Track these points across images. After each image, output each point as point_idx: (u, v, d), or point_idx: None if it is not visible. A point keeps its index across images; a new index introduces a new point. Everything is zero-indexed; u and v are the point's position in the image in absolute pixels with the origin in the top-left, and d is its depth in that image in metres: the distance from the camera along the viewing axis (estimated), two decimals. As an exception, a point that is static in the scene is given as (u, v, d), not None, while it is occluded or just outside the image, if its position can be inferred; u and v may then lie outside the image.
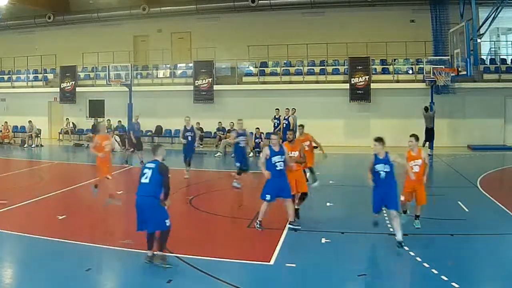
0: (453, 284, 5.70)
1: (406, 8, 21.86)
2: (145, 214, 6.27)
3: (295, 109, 18.48)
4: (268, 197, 7.90)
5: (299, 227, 8.01)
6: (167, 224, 6.28)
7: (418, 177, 7.92)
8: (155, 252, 6.34)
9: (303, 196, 8.69)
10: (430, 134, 18.19)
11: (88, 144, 22.23)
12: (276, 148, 7.98)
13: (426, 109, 18.56)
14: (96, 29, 25.42)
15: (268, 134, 20.14)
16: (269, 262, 6.60)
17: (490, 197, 10.40)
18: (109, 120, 22.60)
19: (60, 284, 5.92)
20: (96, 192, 10.15)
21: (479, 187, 11.67)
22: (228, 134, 19.97)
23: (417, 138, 8.22)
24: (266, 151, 8.01)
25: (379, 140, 7.32)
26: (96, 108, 24.69)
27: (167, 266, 6.28)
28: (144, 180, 6.35)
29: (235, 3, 23.02)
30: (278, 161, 7.90)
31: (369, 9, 22.15)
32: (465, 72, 16.05)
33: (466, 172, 13.70)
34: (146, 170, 6.40)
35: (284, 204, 8.04)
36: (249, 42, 22.46)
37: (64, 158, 19.36)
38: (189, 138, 13.22)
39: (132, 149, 15.74)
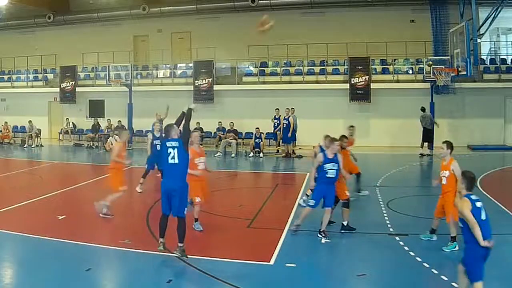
0: (453, 284, 5.69)
1: (406, 8, 21.82)
2: (173, 196, 6.35)
3: (293, 109, 18.51)
4: (312, 202, 7.68)
5: (329, 241, 7.52)
6: (185, 213, 6.41)
7: (443, 191, 7.17)
8: (179, 244, 6.41)
9: (346, 204, 8.12)
10: (429, 135, 18.24)
11: (88, 145, 22.29)
12: (331, 155, 7.68)
13: (423, 109, 18.57)
14: (96, 29, 25.40)
15: (268, 134, 20.20)
16: (269, 262, 6.59)
17: (490, 197, 10.38)
18: (109, 119, 22.64)
19: (60, 284, 5.92)
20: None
21: (479, 187, 11.64)
22: (227, 134, 19.99)
23: (448, 145, 7.21)
24: (319, 158, 7.68)
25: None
26: (96, 108, 24.69)
27: (186, 257, 6.37)
28: (172, 160, 6.30)
29: (235, 3, 23.02)
30: (330, 169, 7.63)
31: (369, 9, 22.14)
32: (465, 72, 16.04)
33: (466, 172, 13.67)
34: (170, 150, 6.33)
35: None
36: (249, 42, 22.40)
37: (64, 158, 19.35)
38: (158, 147, 11.06)
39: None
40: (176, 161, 6.31)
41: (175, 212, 6.42)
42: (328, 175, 7.60)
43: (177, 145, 6.36)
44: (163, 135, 6.63)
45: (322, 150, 7.86)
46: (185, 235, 6.45)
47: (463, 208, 4.85)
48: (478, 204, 4.93)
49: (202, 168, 8.02)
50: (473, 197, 5.00)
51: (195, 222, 8.04)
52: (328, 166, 7.62)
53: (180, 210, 6.38)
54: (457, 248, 6.93)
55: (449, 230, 7.07)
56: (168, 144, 6.38)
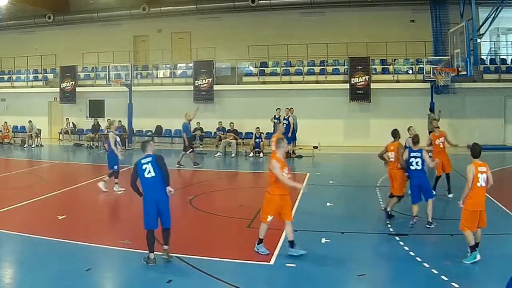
0: (453, 284, 5.70)
1: (406, 8, 21.83)
2: (160, 208, 6.38)
3: (292, 109, 18.51)
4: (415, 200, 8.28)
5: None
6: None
7: None
8: (165, 247, 6.45)
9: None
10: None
11: (88, 145, 22.29)
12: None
13: (430, 109, 18.63)
14: (96, 29, 25.41)
15: (268, 134, 20.17)
16: (269, 262, 6.59)
17: (490, 197, 10.36)
18: (109, 119, 22.63)
19: (60, 284, 5.92)
20: None
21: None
22: (227, 134, 19.99)
23: (470, 147, 6.74)
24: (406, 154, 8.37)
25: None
26: (96, 108, 24.69)
27: (170, 258, 6.43)
28: (149, 175, 6.39)
29: (235, 3, 23.01)
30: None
31: (369, 9, 22.14)
32: (465, 72, 16.04)
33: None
34: (145, 166, 6.43)
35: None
36: (249, 42, 22.44)
37: (64, 158, 19.34)
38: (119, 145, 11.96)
39: (191, 150, 15.64)
40: (153, 174, 6.38)
41: (166, 224, 6.44)
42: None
43: (151, 160, 6.46)
44: (142, 150, 6.73)
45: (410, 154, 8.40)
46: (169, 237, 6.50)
47: None
48: None
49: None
50: None
51: (257, 244, 6.84)
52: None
53: (168, 219, 6.45)
54: (478, 258, 6.40)
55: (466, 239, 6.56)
56: (143, 161, 6.48)
